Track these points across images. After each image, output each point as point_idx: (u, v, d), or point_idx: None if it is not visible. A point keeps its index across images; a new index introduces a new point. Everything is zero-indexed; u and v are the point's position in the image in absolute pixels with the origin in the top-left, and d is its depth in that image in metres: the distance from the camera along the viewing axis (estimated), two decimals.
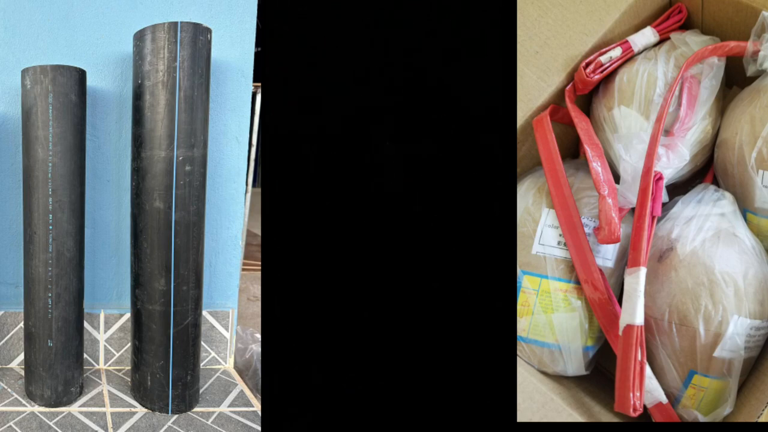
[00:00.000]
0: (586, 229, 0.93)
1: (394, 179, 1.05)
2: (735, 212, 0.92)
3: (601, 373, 1.02)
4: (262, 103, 1.81)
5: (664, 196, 0.91)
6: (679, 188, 1.00)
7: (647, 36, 1.01)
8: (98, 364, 1.39)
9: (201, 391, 1.29)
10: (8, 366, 1.37)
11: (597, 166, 0.92)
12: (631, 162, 0.93)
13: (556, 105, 1.01)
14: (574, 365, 0.94)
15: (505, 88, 0.95)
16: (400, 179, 1.04)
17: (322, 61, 1.08)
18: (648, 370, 0.88)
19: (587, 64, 0.99)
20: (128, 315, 1.34)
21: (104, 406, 1.22)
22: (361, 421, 1.08)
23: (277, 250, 1.10)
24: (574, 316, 0.92)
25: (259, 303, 2.20)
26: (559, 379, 0.97)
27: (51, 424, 1.16)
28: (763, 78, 0.94)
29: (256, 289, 2.49)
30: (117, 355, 1.40)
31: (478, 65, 0.98)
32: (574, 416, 0.88)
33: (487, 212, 0.97)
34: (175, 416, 1.20)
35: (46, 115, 1.14)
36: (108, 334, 1.39)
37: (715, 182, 1.00)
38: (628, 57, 1.01)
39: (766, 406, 0.83)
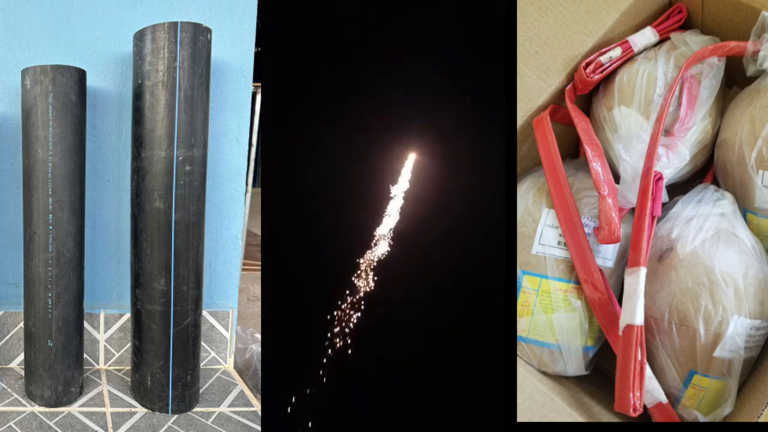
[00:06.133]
0: (586, 229, 0.93)
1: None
2: (735, 212, 0.92)
3: (601, 373, 1.02)
4: (262, 103, 1.81)
5: (664, 196, 0.91)
6: (679, 188, 1.00)
7: (647, 36, 1.01)
8: (98, 364, 1.39)
9: (201, 391, 1.29)
10: (8, 366, 1.37)
11: (597, 166, 0.92)
12: (631, 162, 0.92)
13: (556, 105, 1.01)
14: (574, 365, 0.94)
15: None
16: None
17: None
18: (648, 370, 0.88)
19: (587, 64, 0.99)
20: (128, 315, 1.34)
21: (104, 406, 1.22)
22: (360, 420, 1.08)
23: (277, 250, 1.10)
24: (574, 316, 0.92)
25: (259, 303, 2.20)
26: (559, 379, 0.97)
27: (51, 424, 1.15)
28: (763, 78, 0.94)
29: (256, 289, 2.49)
30: (117, 355, 1.40)
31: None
32: (574, 416, 0.88)
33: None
34: (175, 416, 1.20)
35: (46, 115, 1.14)
36: (108, 334, 1.39)
37: (715, 182, 1.00)
38: (628, 57, 1.01)
39: (766, 406, 0.83)
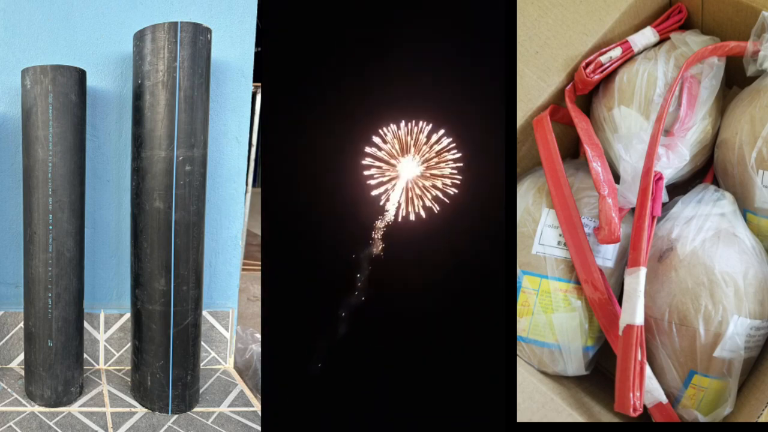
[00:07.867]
0: (586, 229, 0.93)
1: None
2: (735, 212, 0.92)
3: (601, 373, 1.02)
4: (262, 103, 1.81)
5: (664, 196, 0.91)
6: (679, 188, 1.00)
7: (647, 36, 1.01)
8: (98, 364, 1.39)
9: (201, 391, 1.29)
10: (8, 366, 1.37)
11: (597, 166, 0.92)
12: (631, 162, 0.93)
13: (556, 105, 1.01)
14: (574, 365, 0.94)
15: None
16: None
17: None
18: (648, 370, 0.88)
19: (587, 64, 0.99)
20: (128, 315, 1.34)
21: (104, 406, 1.22)
22: (360, 420, 1.08)
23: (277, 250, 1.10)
24: (574, 316, 0.92)
25: (259, 303, 2.20)
26: (559, 379, 0.97)
27: (51, 424, 1.16)
28: (763, 78, 0.94)
29: (256, 289, 2.49)
30: (117, 355, 1.40)
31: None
32: (574, 416, 0.88)
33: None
34: (175, 416, 1.20)
35: (46, 115, 1.14)
36: (108, 334, 1.39)
37: (715, 182, 1.00)
38: (628, 57, 1.01)
39: (766, 406, 0.83)
